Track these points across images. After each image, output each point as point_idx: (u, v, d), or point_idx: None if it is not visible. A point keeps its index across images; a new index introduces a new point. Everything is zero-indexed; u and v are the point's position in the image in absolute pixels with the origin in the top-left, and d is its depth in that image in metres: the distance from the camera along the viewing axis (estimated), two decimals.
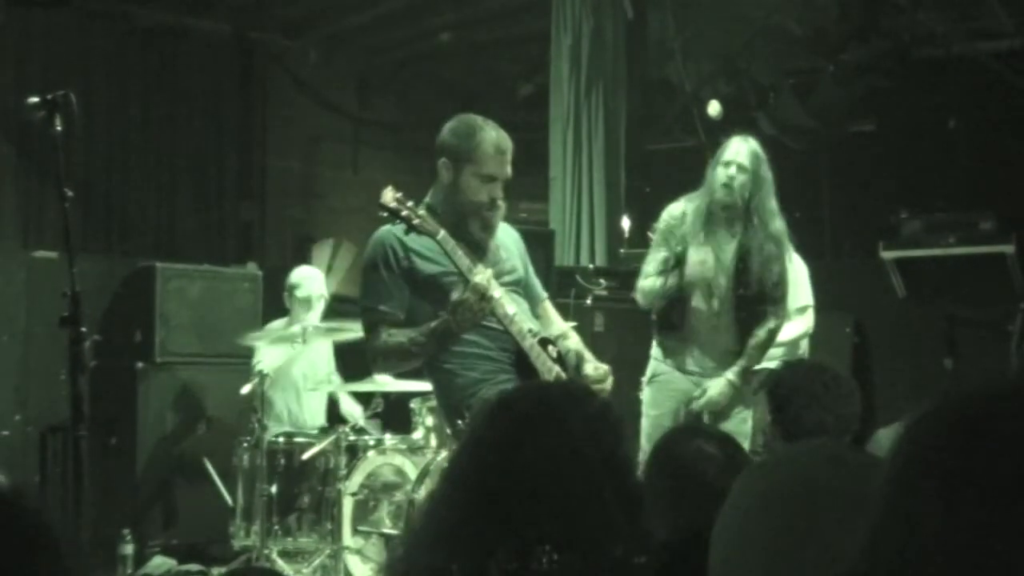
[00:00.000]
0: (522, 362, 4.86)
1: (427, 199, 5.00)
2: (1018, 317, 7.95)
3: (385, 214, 4.68)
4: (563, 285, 8.48)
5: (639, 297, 6.41)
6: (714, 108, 9.89)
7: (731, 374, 6.22)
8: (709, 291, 6.29)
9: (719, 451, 3.32)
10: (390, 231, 4.85)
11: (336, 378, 8.38)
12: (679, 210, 6.42)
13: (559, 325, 5.33)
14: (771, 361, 7.17)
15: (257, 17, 11.54)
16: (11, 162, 9.93)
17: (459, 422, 4.86)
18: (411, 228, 4.64)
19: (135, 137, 10.77)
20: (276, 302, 8.84)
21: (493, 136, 4.92)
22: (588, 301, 8.36)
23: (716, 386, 6.21)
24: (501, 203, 4.97)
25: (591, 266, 9.08)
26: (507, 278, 5.02)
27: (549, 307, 5.38)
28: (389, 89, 12.41)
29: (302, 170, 12.21)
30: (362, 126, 12.39)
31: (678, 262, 6.23)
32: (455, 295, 4.66)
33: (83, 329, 4.60)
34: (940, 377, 8.59)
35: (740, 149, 6.31)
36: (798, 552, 1.78)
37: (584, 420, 2.31)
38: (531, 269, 5.31)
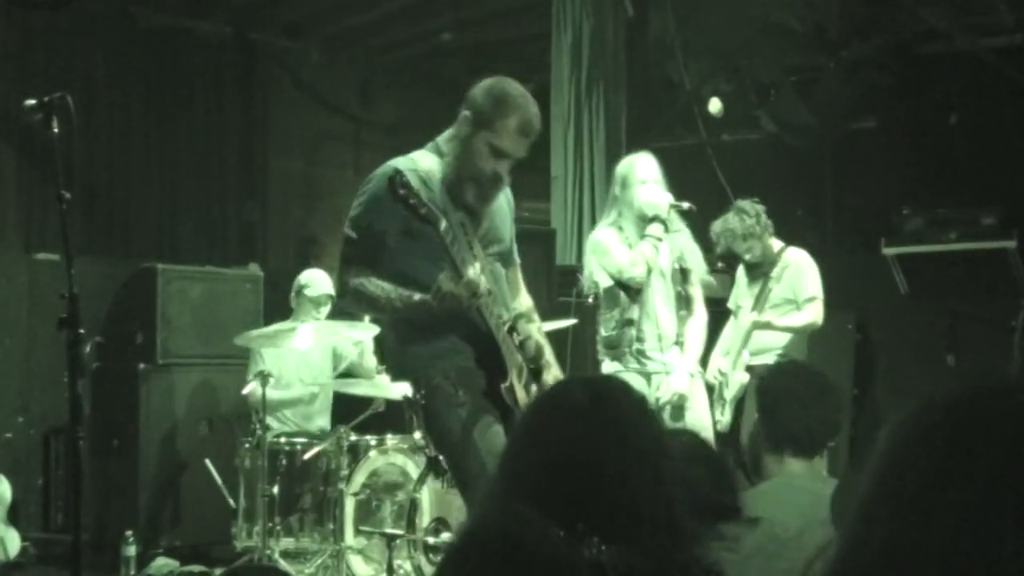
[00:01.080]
0: (491, 350, 4.75)
1: (442, 138, 4.88)
2: (1020, 313, 7.94)
3: (394, 192, 4.48)
4: (564, 284, 8.48)
5: (635, 270, 6.55)
6: (715, 106, 9.90)
7: (691, 368, 6.67)
8: (650, 298, 6.63)
9: (707, 472, 3.32)
10: (404, 171, 4.60)
11: (368, 363, 8.35)
12: (612, 234, 6.71)
13: (524, 300, 5.21)
14: (772, 351, 7.39)
15: (258, 18, 11.55)
16: (13, 165, 9.93)
17: (415, 393, 4.77)
18: (416, 214, 4.48)
19: (137, 138, 10.77)
20: (278, 303, 8.84)
21: (524, 114, 4.75)
22: (590, 299, 8.36)
23: (679, 381, 6.59)
24: (505, 180, 4.85)
25: None
26: (494, 247, 4.94)
27: (519, 275, 5.23)
28: (390, 89, 12.42)
29: (304, 171, 12.21)
30: (363, 126, 12.39)
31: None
32: (444, 283, 4.49)
33: (82, 331, 4.59)
34: (943, 373, 8.59)
35: (649, 165, 6.68)
36: None
37: (637, 414, 2.40)
38: (513, 234, 5.17)
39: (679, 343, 6.68)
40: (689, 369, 6.64)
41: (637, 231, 6.58)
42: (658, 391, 6.55)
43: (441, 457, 5.31)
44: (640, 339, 6.61)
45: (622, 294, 6.63)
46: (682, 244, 6.75)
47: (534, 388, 4.88)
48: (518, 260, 5.25)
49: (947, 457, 1.32)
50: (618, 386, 2.48)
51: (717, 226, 7.78)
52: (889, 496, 1.35)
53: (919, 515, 1.30)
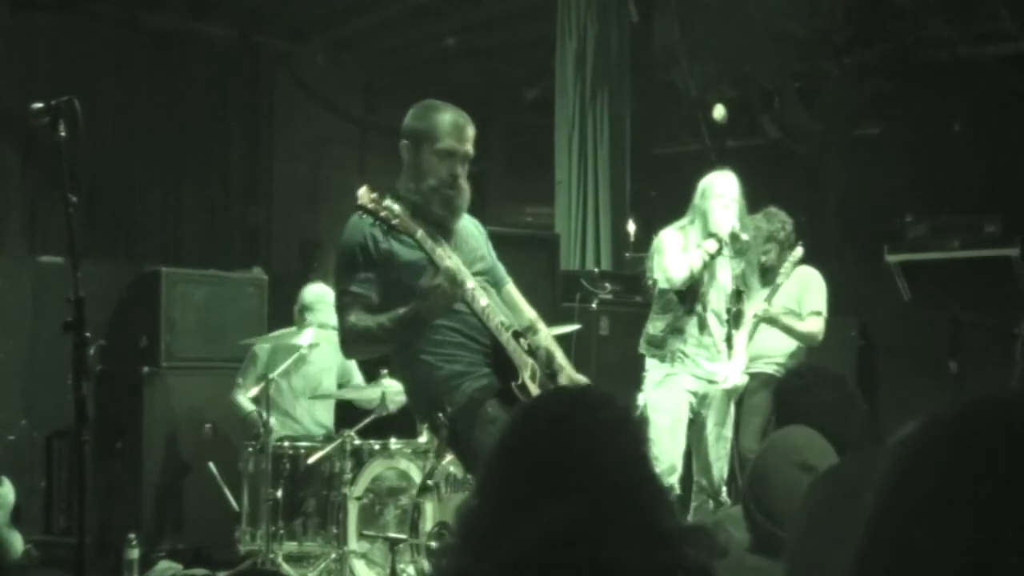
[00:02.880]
0: (498, 354, 4.83)
1: (397, 186, 4.98)
2: (1023, 320, 7.95)
3: (362, 214, 4.64)
4: (568, 289, 8.49)
5: (675, 271, 6.79)
6: (719, 112, 9.91)
7: (742, 365, 7.05)
8: (704, 311, 6.92)
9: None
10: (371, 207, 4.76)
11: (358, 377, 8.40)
12: (673, 236, 6.98)
13: (527, 312, 5.27)
14: (769, 358, 7.47)
15: (263, 21, 11.56)
16: (17, 168, 9.95)
17: (440, 415, 4.82)
18: (390, 228, 4.59)
19: (141, 141, 10.79)
20: (282, 306, 8.84)
21: (450, 114, 4.94)
22: (593, 305, 8.37)
23: (735, 374, 7.00)
24: (463, 183, 4.94)
25: (596, 270, 9.08)
26: (478, 266, 5.01)
27: (514, 291, 5.30)
28: (395, 93, 12.41)
29: (308, 174, 12.22)
30: (368, 130, 12.41)
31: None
32: (425, 279, 4.58)
33: (87, 334, 4.60)
34: (945, 380, 8.60)
35: (728, 183, 6.96)
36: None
37: (612, 421, 2.38)
38: (495, 255, 5.28)
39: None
40: (740, 367, 7.02)
41: (700, 238, 6.84)
42: (723, 383, 6.89)
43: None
44: (689, 345, 6.87)
45: (676, 299, 6.88)
46: (740, 269, 7.09)
47: None
48: (508, 278, 5.32)
49: (953, 471, 1.32)
50: (598, 398, 2.49)
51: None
52: (895, 513, 1.35)
53: (925, 531, 1.30)
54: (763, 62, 9.89)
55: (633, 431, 2.43)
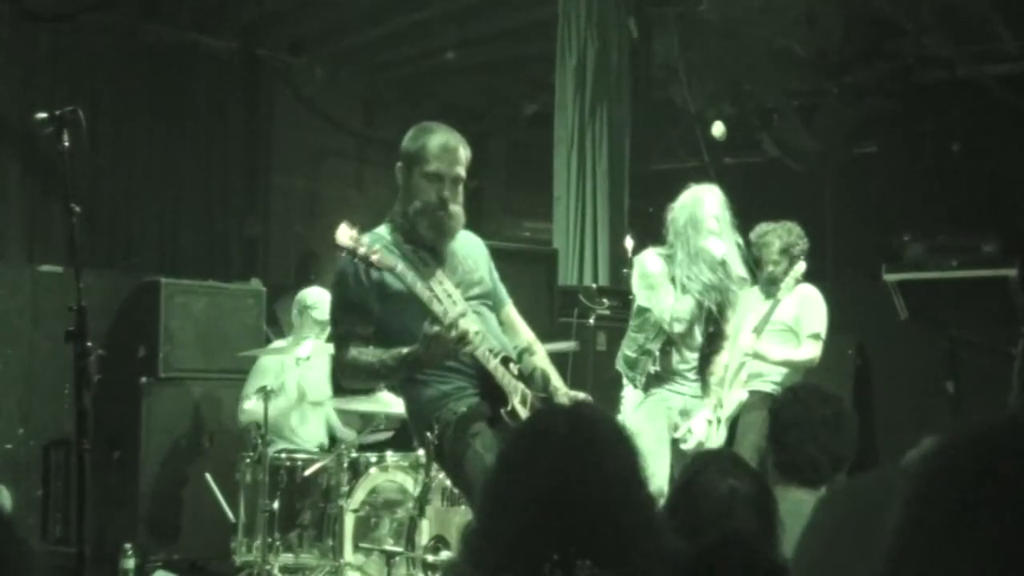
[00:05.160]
0: (487, 381, 4.83)
1: (392, 211, 5.04)
2: (1020, 340, 7.94)
3: (344, 253, 4.67)
4: (566, 304, 8.50)
5: (677, 327, 6.59)
6: (718, 129, 9.92)
7: (710, 414, 6.66)
8: (692, 331, 6.66)
9: (751, 487, 3.24)
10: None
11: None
12: (661, 266, 6.66)
13: (524, 334, 5.29)
14: (768, 376, 7.43)
15: (264, 34, 11.58)
16: (17, 177, 9.95)
17: (427, 434, 4.88)
18: (370, 264, 4.62)
19: (140, 153, 10.79)
20: (279, 318, 8.85)
21: (440, 137, 4.93)
22: (591, 320, 8.37)
23: (700, 429, 6.61)
24: (454, 206, 4.94)
25: (594, 285, 9.08)
26: (475, 290, 5.02)
27: (513, 312, 5.32)
28: (394, 107, 12.44)
29: (306, 187, 12.24)
30: (367, 144, 12.42)
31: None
32: (427, 328, 4.58)
33: (88, 344, 4.61)
34: (942, 400, 8.60)
35: (718, 205, 6.66)
36: None
37: (610, 433, 2.40)
38: (496, 275, 5.28)
39: (702, 379, 6.72)
40: (709, 417, 6.66)
41: (688, 264, 6.56)
42: (684, 444, 6.56)
43: (458, 489, 5.62)
44: (667, 369, 6.66)
45: (650, 322, 6.65)
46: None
47: None
48: (508, 299, 5.34)
49: (973, 493, 1.32)
50: (595, 413, 2.51)
51: (761, 228, 7.82)
52: (916, 534, 1.36)
53: (949, 549, 1.31)
54: (762, 80, 9.91)
55: (629, 443, 2.46)
